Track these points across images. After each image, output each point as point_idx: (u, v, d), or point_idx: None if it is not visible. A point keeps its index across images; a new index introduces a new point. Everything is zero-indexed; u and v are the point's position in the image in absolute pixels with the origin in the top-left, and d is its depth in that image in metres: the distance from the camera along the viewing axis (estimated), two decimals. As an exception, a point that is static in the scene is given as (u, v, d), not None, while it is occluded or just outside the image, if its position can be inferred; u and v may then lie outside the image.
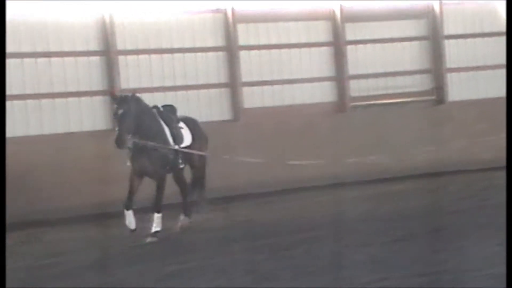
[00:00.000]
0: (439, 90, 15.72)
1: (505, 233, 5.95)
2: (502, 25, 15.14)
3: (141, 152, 8.98)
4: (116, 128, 8.82)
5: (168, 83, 13.89)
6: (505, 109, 7.64)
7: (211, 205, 10.98)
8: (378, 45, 15.47)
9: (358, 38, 15.28)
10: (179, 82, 14.01)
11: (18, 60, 12.86)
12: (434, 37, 15.73)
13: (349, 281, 6.05)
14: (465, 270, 6.24)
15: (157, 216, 8.92)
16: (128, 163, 9.22)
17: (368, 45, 15.39)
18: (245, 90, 14.37)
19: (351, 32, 15.17)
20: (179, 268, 7.24)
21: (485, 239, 7.34)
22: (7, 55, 12.27)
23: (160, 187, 9.19)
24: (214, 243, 8.88)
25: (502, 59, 14.71)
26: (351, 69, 15.24)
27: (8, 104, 12.26)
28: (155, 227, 8.94)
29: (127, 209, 8.96)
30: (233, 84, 14.26)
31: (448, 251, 7.16)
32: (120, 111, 8.74)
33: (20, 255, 9.00)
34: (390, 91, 15.52)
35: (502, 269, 5.43)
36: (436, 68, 15.74)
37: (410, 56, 15.75)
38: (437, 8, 15.67)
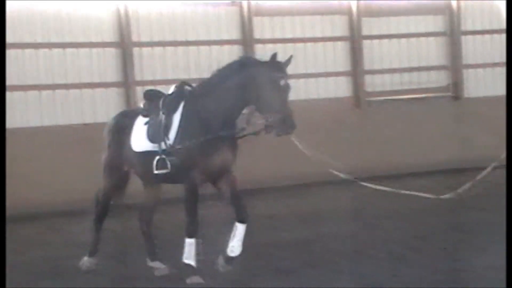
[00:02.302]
0: (455, 86, 15.76)
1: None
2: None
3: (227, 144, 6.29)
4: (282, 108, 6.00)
5: (183, 75, 14.01)
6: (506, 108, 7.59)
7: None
8: (397, 40, 15.51)
9: (375, 33, 15.31)
10: (193, 75, 14.14)
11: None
12: (451, 33, 15.76)
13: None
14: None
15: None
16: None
17: (385, 40, 15.43)
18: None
19: (368, 27, 15.22)
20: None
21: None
22: (31, 45, 12.57)
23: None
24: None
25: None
26: (367, 64, 15.27)
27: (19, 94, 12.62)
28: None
29: (190, 237, 6.40)
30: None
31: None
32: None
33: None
34: (406, 87, 15.57)
35: None
36: (453, 64, 15.77)
37: (427, 52, 15.77)
38: (454, 5, 15.72)
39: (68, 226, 10.59)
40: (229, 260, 6.36)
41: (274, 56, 6.15)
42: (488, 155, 8.09)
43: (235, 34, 14.35)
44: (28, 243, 9.45)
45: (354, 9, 14.94)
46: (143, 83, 13.63)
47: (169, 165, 6.29)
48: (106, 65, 13.53)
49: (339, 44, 14.94)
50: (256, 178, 12.20)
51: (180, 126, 6.30)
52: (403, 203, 10.06)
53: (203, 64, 14.11)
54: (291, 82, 14.69)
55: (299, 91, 14.81)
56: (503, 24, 15.96)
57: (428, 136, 14.54)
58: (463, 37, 15.76)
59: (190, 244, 6.34)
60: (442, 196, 7.47)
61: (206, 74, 13.78)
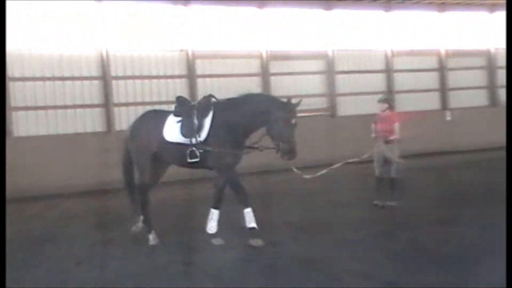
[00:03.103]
0: (332, 107, 16.27)
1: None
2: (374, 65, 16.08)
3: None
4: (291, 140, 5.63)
5: (147, 99, 14.15)
6: (505, 110, 6.64)
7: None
8: (293, 76, 15.97)
9: (278, 71, 15.74)
10: (154, 99, 14.31)
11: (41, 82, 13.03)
12: (328, 72, 16.15)
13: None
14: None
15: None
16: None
17: (285, 76, 15.87)
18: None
19: (274, 67, 15.64)
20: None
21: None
22: (39, 79, 12.49)
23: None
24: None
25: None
26: (274, 92, 15.61)
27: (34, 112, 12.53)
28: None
29: (247, 207, 5.89)
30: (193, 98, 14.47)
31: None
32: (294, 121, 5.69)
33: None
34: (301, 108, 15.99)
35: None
36: (330, 92, 16.33)
37: (313, 83, 16.27)
38: (330, 53, 16.18)
39: (62, 204, 10.48)
40: (212, 236, 6.05)
41: (289, 100, 5.77)
42: (352, 155, 7.88)
43: (183, 71, 14.56)
44: (31, 217, 9.31)
45: (264, 55, 15.36)
46: (119, 105, 13.73)
47: (198, 155, 5.93)
48: (92, 92, 13.54)
49: (254, 79, 15.33)
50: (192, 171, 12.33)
51: (210, 128, 5.91)
52: (293, 188, 10.06)
53: (161, 92, 14.26)
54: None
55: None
56: (360, 67, 16.57)
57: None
58: (336, 76, 16.02)
59: (248, 212, 5.83)
60: (306, 176, 6.64)
61: (163, 99, 14.12)
